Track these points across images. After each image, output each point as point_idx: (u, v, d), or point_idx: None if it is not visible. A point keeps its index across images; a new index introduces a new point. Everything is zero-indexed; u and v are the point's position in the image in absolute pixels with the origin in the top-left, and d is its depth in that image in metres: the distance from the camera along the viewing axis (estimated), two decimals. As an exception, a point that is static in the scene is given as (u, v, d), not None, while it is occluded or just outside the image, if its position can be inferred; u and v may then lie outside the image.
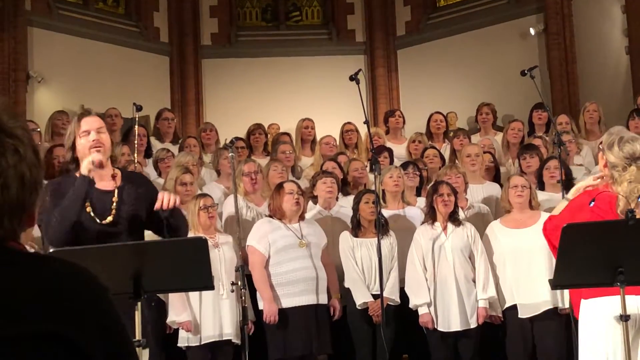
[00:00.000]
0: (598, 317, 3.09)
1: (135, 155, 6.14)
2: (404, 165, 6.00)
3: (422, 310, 5.05)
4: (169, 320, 4.90)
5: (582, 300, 3.20)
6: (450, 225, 5.15)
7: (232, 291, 4.47)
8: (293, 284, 4.89)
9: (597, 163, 4.90)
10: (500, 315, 5.13)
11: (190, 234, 4.82)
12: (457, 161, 6.27)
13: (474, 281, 5.08)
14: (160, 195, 3.28)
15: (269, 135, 8.29)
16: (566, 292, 4.62)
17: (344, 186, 5.98)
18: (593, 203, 3.16)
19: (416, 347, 5.37)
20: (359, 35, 11.40)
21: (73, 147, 3.35)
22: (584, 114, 7.24)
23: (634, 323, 3.05)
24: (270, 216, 5.13)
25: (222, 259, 4.92)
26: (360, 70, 5.13)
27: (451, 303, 5.01)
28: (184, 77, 10.87)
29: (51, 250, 3.13)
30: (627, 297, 2.94)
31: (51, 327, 1.11)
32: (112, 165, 3.43)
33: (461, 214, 5.36)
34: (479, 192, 6.01)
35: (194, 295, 4.84)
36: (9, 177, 1.16)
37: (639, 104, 7.25)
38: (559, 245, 2.93)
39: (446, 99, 9.70)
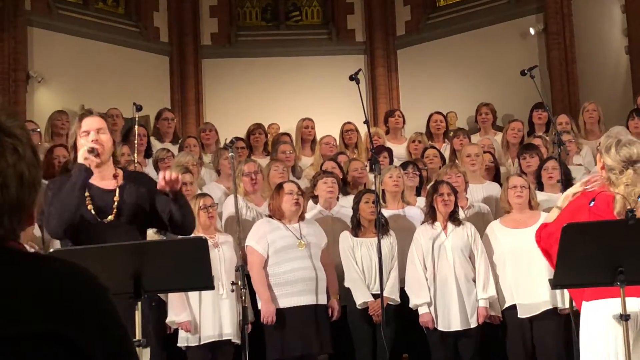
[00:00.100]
0: (599, 318, 3.10)
1: (135, 155, 6.14)
2: (404, 165, 6.00)
3: (422, 310, 5.05)
4: (168, 320, 4.90)
5: (584, 302, 3.20)
6: (450, 225, 5.15)
7: (232, 291, 4.47)
8: (291, 284, 4.89)
9: (596, 163, 4.90)
10: (500, 315, 5.13)
11: (190, 234, 4.82)
12: (457, 161, 6.27)
13: (474, 281, 5.08)
14: (161, 174, 3.28)
15: (269, 135, 8.29)
16: (566, 292, 4.62)
17: (344, 186, 5.98)
18: (593, 203, 3.16)
19: (416, 346, 5.37)
20: (359, 35, 11.40)
21: (75, 147, 3.36)
22: (583, 114, 7.24)
23: (634, 325, 3.05)
24: (270, 216, 5.14)
25: (222, 258, 4.92)
26: (360, 70, 5.13)
27: (451, 303, 5.01)
28: (184, 77, 10.87)
29: (51, 250, 3.14)
30: (628, 299, 2.94)
31: (51, 327, 1.11)
32: (114, 166, 3.44)
33: (461, 214, 5.36)
34: (479, 192, 6.01)
35: (193, 295, 4.84)
36: (8, 176, 1.16)
37: (639, 103, 7.26)
38: (559, 245, 2.93)
39: (446, 99, 9.70)
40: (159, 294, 4.64)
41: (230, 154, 4.48)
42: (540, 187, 5.69)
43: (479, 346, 5.09)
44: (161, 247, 3.13)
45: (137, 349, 2.91)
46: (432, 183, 5.58)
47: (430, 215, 5.20)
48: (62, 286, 1.16)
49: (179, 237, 3.48)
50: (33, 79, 9.13)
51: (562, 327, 4.89)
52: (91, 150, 3.22)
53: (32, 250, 4.25)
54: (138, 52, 10.52)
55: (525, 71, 5.51)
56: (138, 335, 2.93)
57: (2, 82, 8.80)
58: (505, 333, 5.16)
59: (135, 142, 6.23)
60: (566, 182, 5.17)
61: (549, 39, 9.66)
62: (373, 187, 5.00)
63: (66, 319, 1.13)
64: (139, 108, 6.20)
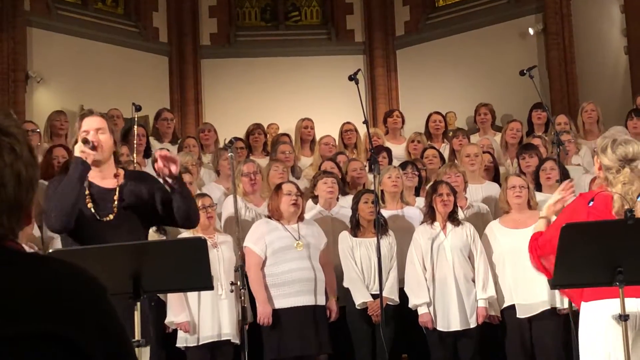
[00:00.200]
0: (598, 319, 3.10)
1: (134, 155, 6.13)
2: (403, 166, 6.00)
3: (421, 310, 5.05)
4: (167, 320, 4.90)
5: (583, 303, 3.20)
6: (449, 225, 5.15)
7: (232, 291, 4.47)
8: (289, 284, 4.89)
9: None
10: (499, 315, 5.13)
11: (189, 234, 4.82)
12: (456, 161, 6.27)
13: (474, 281, 5.08)
14: (156, 154, 3.26)
15: (268, 136, 8.28)
16: (565, 292, 4.62)
17: (342, 186, 5.98)
18: (592, 203, 3.16)
19: (415, 346, 5.37)
20: (358, 35, 11.40)
21: None
22: (582, 114, 7.24)
23: (633, 325, 3.05)
24: (269, 217, 5.14)
25: (221, 259, 4.92)
26: (359, 70, 5.11)
27: (451, 303, 5.01)
28: (183, 77, 10.86)
29: (50, 251, 3.13)
30: (627, 299, 2.94)
31: (50, 327, 1.11)
32: (116, 165, 3.44)
33: (460, 214, 5.36)
34: (478, 192, 6.01)
35: (192, 295, 4.84)
36: (5, 175, 1.16)
37: (639, 104, 7.25)
38: (558, 245, 2.93)
39: (445, 99, 9.70)
40: (158, 294, 4.63)
41: (229, 154, 4.48)
42: (539, 187, 5.68)
43: (478, 346, 5.09)
44: (160, 248, 3.13)
45: (135, 349, 2.91)
46: (431, 183, 5.58)
47: (430, 215, 5.20)
48: (61, 286, 1.16)
49: (179, 237, 3.49)
50: (32, 79, 9.12)
51: (561, 327, 4.89)
52: (85, 141, 3.21)
53: (31, 250, 4.25)
54: (137, 52, 10.51)
55: (525, 71, 5.51)
56: (137, 335, 2.93)
57: (1, 82, 8.80)
58: (505, 333, 5.16)
59: (134, 142, 6.22)
60: (565, 182, 5.17)
61: (548, 39, 9.66)
62: (372, 187, 5.00)
63: (66, 319, 1.13)
64: (138, 108, 6.19)
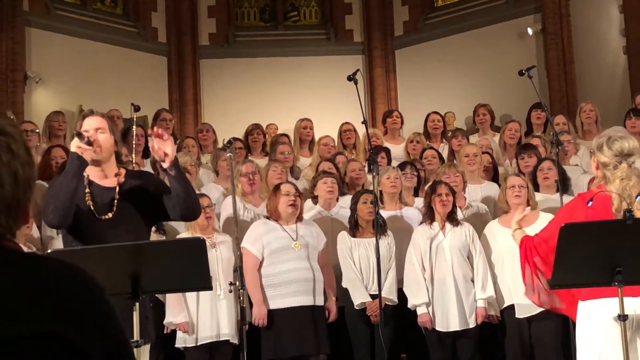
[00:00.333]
0: (596, 318, 3.10)
1: (133, 155, 6.13)
2: (402, 166, 5.99)
3: (420, 310, 5.05)
4: (166, 321, 4.90)
5: (580, 302, 3.21)
6: (448, 225, 5.15)
7: (230, 291, 4.46)
8: (286, 285, 4.88)
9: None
10: (498, 315, 5.13)
11: (188, 234, 4.82)
12: (455, 161, 6.26)
13: (473, 281, 5.08)
14: (151, 133, 3.26)
15: (267, 136, 8.28)
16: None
17: (341, 186, 5.97)
18: (591, 203, 3.16)
19: (414, 347, 5.37)
20: (357, 35, 11.40)
21: None
22: (580, 115, 7.23)
23: (631, 324, 3.05)
24: (267, 217, 5.13)
25: (220, 259, 4.92)
26: (358, 70, 5.12)
27: (450, 303, 5.01)
28: (182, 77, 10.86)
29: (49, 251, 3.13)
30: (625, 298, 2.94)
31: (50, 326, 1.11)
32: (117, 165, 3.43)
33: (459, 214, 5.36)
34: (477, 192, 6.01)
35: (191, 295, 4.84)
36: (2, 174, 1.16)
37: (637, 103, 7.25)
38: (557, 245, 2.93)
39: (444, 99, 9.71)
40: (156, 295, 4.63)
41: (228, 155, 4.47)
42: (536, 187, 5.68)
43: (477, 346, 5.09)
44: (159, 248, 3.13)
45: (134, 349, 2.91)
46: (430, 183, 5.58)
47: (429, 215, 5.20)
48: (60, 286, 1.16)
49: (177, 237, 3.48)
50: (31, 79, 9.12)
51: (560, 327, 4.89)
52: (79, 135, 3.19)
53: (29, 250, 4.24)
54: (136, 53, 10.51)
55: (523, 71, 5.51)
56: (136, 335, 2.93)
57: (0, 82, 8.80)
58: (504, 333, 5.16)
59: (133, 142, 6.22)
60: (562, 182, 5.17)
61: (547, 39, 9.67)
62: (371, 188, 5.00)
63: (65, 319, 1.13)
64: (136, 108, 6.20)
